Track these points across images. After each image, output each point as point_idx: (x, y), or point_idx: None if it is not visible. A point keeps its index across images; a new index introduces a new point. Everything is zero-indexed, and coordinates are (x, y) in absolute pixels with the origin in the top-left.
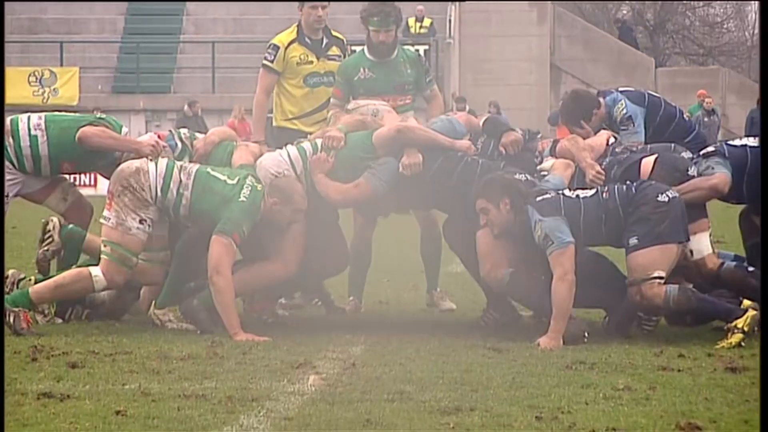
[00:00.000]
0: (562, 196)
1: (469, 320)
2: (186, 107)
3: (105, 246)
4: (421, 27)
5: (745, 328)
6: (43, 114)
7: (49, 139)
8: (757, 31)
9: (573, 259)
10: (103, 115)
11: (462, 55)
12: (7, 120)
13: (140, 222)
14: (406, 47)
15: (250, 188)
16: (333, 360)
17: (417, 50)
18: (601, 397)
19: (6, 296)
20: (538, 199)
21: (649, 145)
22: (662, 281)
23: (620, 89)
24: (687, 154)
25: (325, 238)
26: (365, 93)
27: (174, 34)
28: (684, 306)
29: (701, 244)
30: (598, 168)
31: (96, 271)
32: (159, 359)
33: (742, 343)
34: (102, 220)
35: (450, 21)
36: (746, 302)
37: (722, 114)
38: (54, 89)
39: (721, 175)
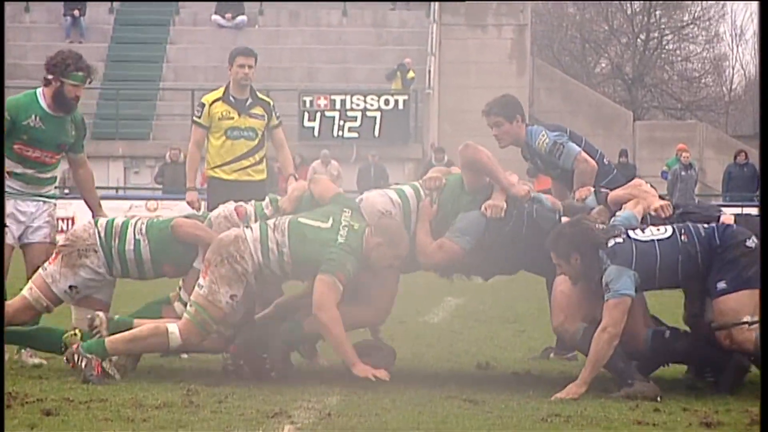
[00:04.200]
0: (634, 242)
1: (446, 371)
2: (167, 154)
3: (191, 306)
4: (403, 78)
5: None
6: (146, 220)
7: (150, 243)
8: (734, 86)
9: (624, 312)
10: (198, 213)
11: (441, 106)
12: (118, 221)
13: (230, 297)
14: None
15: (347, 229)
16: (308, 410)
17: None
18: None
19: (82, 342)
20: (610, 243)
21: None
22: (751, 326)
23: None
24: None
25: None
26: None
27: (154, 81)
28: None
29: None
30: (664, 201)
31: (173, 328)
32: (134, 407)
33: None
34: (196, 287)
35: (429, 72)
36: None
37: (699, 168)
38: None
39: None
